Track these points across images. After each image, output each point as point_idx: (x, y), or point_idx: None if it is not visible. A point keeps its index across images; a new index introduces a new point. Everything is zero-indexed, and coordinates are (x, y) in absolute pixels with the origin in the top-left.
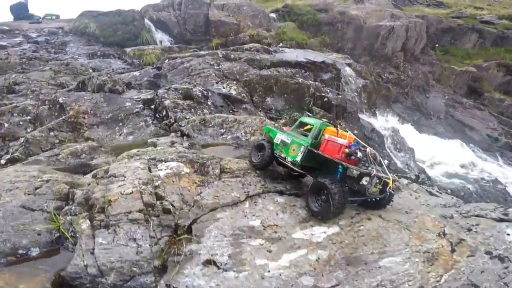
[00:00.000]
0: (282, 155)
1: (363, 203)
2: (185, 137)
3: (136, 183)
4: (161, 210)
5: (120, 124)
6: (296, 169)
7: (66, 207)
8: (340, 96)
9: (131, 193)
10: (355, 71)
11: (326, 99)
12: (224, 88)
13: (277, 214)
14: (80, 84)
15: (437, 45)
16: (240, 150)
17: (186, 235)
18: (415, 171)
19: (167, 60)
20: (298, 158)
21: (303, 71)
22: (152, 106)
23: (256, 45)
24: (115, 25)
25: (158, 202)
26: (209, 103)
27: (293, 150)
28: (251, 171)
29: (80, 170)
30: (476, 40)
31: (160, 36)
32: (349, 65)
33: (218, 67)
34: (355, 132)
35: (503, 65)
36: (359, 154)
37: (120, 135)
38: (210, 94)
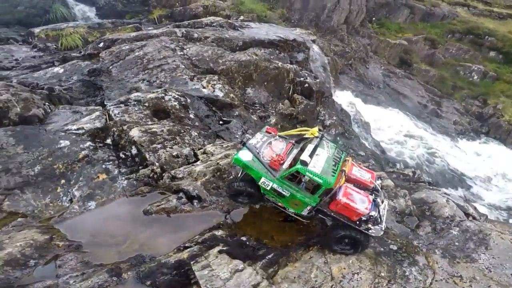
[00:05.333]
0: (280, 204)
1: None
2: (195, 202)
3: None
4: None
5: (63, 181)
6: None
7: None
8: (318, 80)
9: None
10: (319, 47)
11: (306, 84)
12: (205, 87)
13: None
14: None
15: (374, 18)
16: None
17: None
18: (372, 146)
19: (102, 43)
20: (305, 213)
21: (277, 51)
22: (109, 140)
23: (217, 19)
24: None
25: None
26: (191, 115)
27: (296, 205)
28: None
29: None
30: (407, 15)
31: (81, 9)
32: (313, 41)
33: (183, 53)
34: (334, 118)
35: (428, 39)
36: (375, 216)
37: (71, 201)
38: (188, 100)
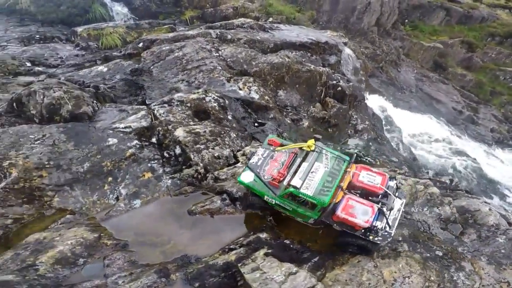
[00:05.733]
0: (288, 214)
1: None
2: (238, 204)
3: None
4: None
5: (110, 179)
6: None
7: None
8: (351, 84)
9: None
10: (351, 50)
11: (339, 88)
12: (241, 89)
13: None
14: (15, 105)
15: (406, 20)
16: None
17: None
18: (403, 153)
19: (141, 43)
20: (311, 223)
21: (309, 54)
22: (154, 139)
23: (248, 21)
24: None
25: None
26: (229, 117)
27: (302, 216)
28: None
29: None
30: (443, 18)
31: (118, 9)
32: (345, 44)
33: (218, 54)
34: (366, 123)
35: (466, 42)
36: (379, 227)
37: (118, 199)
38: (226, 101)
